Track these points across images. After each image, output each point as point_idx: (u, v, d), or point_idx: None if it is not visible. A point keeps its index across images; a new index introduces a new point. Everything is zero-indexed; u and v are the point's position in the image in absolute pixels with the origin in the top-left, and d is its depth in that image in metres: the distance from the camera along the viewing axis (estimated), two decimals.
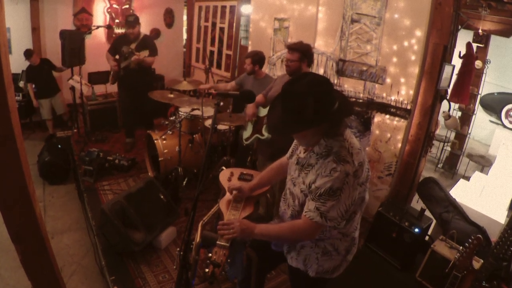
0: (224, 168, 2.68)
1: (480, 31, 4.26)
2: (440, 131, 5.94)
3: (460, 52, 4.12)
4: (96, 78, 5.99)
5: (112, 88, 6.06)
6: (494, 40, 5.29)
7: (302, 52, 2.92)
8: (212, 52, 7.04)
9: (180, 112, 4.25)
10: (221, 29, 6.71)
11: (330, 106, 1.57)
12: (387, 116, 3.53)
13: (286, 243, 1.92)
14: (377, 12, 3.43)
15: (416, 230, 3.07)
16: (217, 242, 1.71)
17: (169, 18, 7.46)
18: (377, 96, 3.58)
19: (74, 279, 3.01)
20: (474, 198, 3.84)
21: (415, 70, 3.25)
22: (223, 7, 6.57)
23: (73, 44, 5.20)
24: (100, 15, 6.48)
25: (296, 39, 3.11)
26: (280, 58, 4.66)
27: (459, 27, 3.16)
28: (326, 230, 1.73)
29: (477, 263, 2.55)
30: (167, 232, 3.38)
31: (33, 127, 6.01)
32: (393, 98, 3.45)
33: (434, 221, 3.41)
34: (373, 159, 3.66)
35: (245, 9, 5.67)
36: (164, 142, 4.24)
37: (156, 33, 7.23)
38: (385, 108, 3.53)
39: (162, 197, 3.45)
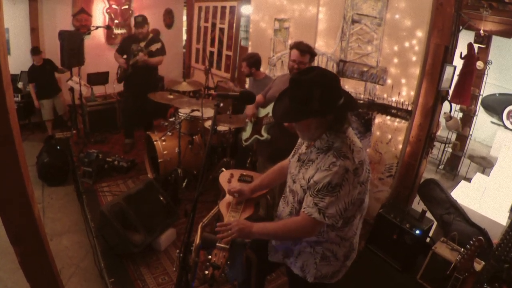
0: (224, 169, 2.68)
1: (481, 31, 4.23)
2: (441, 132, 5.91)
3: (461, 52, 4.10)
4: (95, 79, 5.98)
5: (111, 89, 6.07)
6: (496, 40, 5.29)
7: (312, 54, 2.90)
8: (212, 53, 7.03)
9: (179, 113, 4.23)
10: (221, 30, 6.70)
11: (336, 99, 1.60)
12: (388, 117, 3.52)
13: (284, 240, 1.90)
14: (378, 13, 3.42)
15: (417, 231, 3.06)
16: (217, 244, 1.70)
17: (169, 18, 7.46)
18: (378, 97, 3.56)
19: (73, 281, 3.00)
20: (476, 200, 3.83)
21: (416, 71, 3.24)
22: (223, 8, 6.57)
23: (72, 44, 5.19)
24: (99, 15, 6.48)
25: (296, 40, 3.09)
26: (280, 58, 4.65)
27: (460, 27, 3.15)
28: (324, 231, 1.71)
29: (478, 265, 2.55)
30: (166, 233, 3.36)
31: (32, 128, 6.00)
32: (394, 99, 3.44)
33: (435, 223, 3.40)
34: (374, 160, 3.65)
35: (245, 10, 5.67)
36: (164, 143, 4.22)
37: (155, 33, 7.21)
38: (386, 109, 3.52)
39: (161, 198, 3.44)
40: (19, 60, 5.48)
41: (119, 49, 5.14)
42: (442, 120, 4.42)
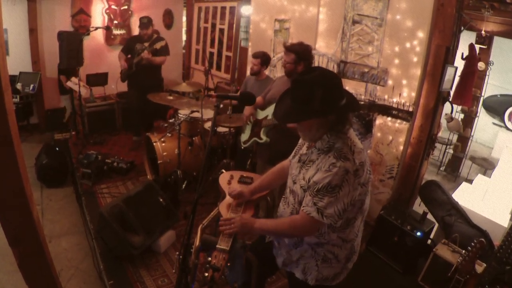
0: (224, 171, 2.67)
1: (483, 32, 4.23)
2: (443, 133, 5.90)
3: (462, 53, 4.10)
4: (94, 80, 5.96)
5: (110, 90, 6.05)
6: (497, 41, 5.27)
7: (298, 54, 2.88)
8: (211, 54, 7.02)
9: (179, 115, 4.22)
10: (221, 30, 6.69)
11: (338, 100, 1.61)
12: (389, 119, 3.50)
13: (285, 238, 1.91)
14: (379, 13, 3.40)
15: (418, 233, 3.05)
16: (217, 246, 1.70)
17: (168, 19, 7.43)
18: (378, 98, 3.55)
19: (72, 283, 3.00)
20: (477, 202, 3.82)
21: (417, 71, 3.22)
22: (223, 8, 6.55)
23: (71, 45, 5.17)
24: (98, 16, 6.44)
25: (296, 41, 3.08)
26: (280, 59, 4.63)
27: (462, 28, 3.14)
28: (325, 232, 1.72)
29: (480, 267, 2.54)
30: (166, 235, 3.35)
31: (30, 130, 5.96)
32: (395, 100, 3.42)
33: (437, 225, 3.38)
34: (374, 162, 3.63)
35: (245, 10, 5.65)
36: (163, 144, 4.21)
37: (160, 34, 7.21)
38: (386, 110, 3.50)
39: (161, 200, 3.43)
40: (17, 61, 5.46)
41: (124, 49, 5.26)
42: (443, 121, 4.42)
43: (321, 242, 1.75)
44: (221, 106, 1.93)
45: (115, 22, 6.62)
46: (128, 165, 4.72)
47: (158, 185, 3.59)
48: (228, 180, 2.37)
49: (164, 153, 4.17)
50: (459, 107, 5.89)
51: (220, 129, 4.34)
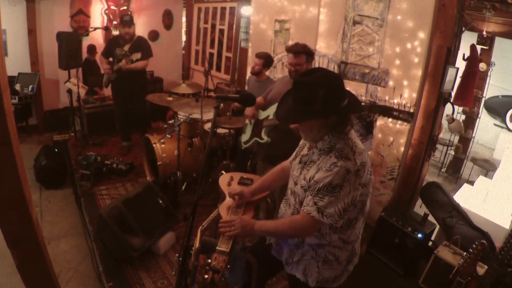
0: (223, 172, 2.66)
1: (484, 33, 4.22)
2: (444, 134, 5.90)
3: (464, 54, 4.08)
4: (93, 80, 5.93)
5: (109, 91, 6.03)
6: (499, 42, 5.25)
7: (307, 53, 2.88)
8: (211, 54, 7.01)
9: (179, 116, 4.20)
10: (221, 31, 6.68)
11: (340, 100, 1.61)
12: (390, 120, 3.49)
13: (285, 239, 1.91)
14: (380, 14, 3.39)
15: (419, 235, 3.04)
16: (217, 247, 1.70)
17: (168, 19, 7.42)
18: (379, 99, 3.54)
19: (71, 286, 2.99)
20: (478, 203, 3.81)
21: (418, 72, 3.21)
22: (223, 9, 6.55)
23: (70, 46, 5.15)
24: (97, 16, 6.44)
25: (297, 41, 3.07)
26: (281, 60, 4.62)
27: (463, 29, 3.13)
28: (327, 233, 1.72)
29: (481, 269, 2.52)
30: (166, 237, 3.34)
31: (29, 131, 5.95)
32: (395, 101, 3.41)
33: (438, 226, 3.38)
34: (375, 163, 3.62)
35: (245, 11, 5.64)
36: (163, 146, 4.19)
37: (154, 35, 7.20)
38: (387, 111, 3.49)
39: (160, 202, 3.41)
40: (16, 61, 5.45)
41: (104, 52, 5.06)
42: (444, 122, 4.41)
43: (322, 243, 1.75)
44: (221, 106, 1.92)
45: (114, 22, 6.60)
46: (127, 167, 4.70)
47: (157, 187, 3.58)
48: (228, 182, 2.36)
49: (164, 155, 4.16)
50: (460, 108, 5.87)
51: (220, 130, 4.32)
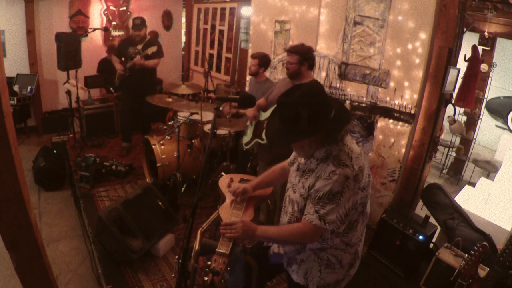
0: (223, 174, 2.65)
1: (486, 33, 4.21)
2: (445, 136, 5.91)
3: (465, 55, 4.08)
4: (92, 81, 5.93)
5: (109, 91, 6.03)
6: (500, 43, 5.26)
7: (301, 55, 2.90)
8: (211, 55, 7.01)
9: (178, 117, 4.18)
10: (221, 32, 6.68)
11: (326, 116, 1.61)
12: (391, 121, 3.48)
13: (286, 245, 1.91)
14: (381, 14, 3.38)
15: (421, 237, 3.03)
16: (217, 249, 1.70)
17: (167, 20, 7.42)
18: (380, 100, 3.53)
19: None
20: (480, 205, 3.79)
21: (419, 73, 3.20)
22: (223, 9, 6.55)
23: (69, 47, 5.15)
24: (96, 17, 6.44)
25: (297, 42, 3.07)
26: (281, 61, 4.61)
27: (465, 29, 3.13)
28: (328, 237, 1.72)
29: (483, 271, 2.53)
30: (165, 239, 3.32)
31: (28, 132, 5.94)
32: (396, 102, 3.40)
33: (439, 228, 3.37)
34: (376, 165, 3.60)
35: (245, 11, 5.63)
36: (162, 147, 4.17)
37: (153, 36, 7.17)
38: (388, 112, 3.48)
39: (160, 203, 3.40)
40: (15, 62, 5.43)
41: (117, 52, 5.12)
42: (446, 123, 4.40)
43: (324, 247, 1.75)
44: (221, 108, 1.91)
45: (114, 23, 6.61)
46: (126, 168, 4.68)
47: (157, 189, 3.56)
48: (228, 183, 2.36)
49: (163, 156, 4.14)
50: (462, 109, 5.86)
51: (220, 132, 4.31)
